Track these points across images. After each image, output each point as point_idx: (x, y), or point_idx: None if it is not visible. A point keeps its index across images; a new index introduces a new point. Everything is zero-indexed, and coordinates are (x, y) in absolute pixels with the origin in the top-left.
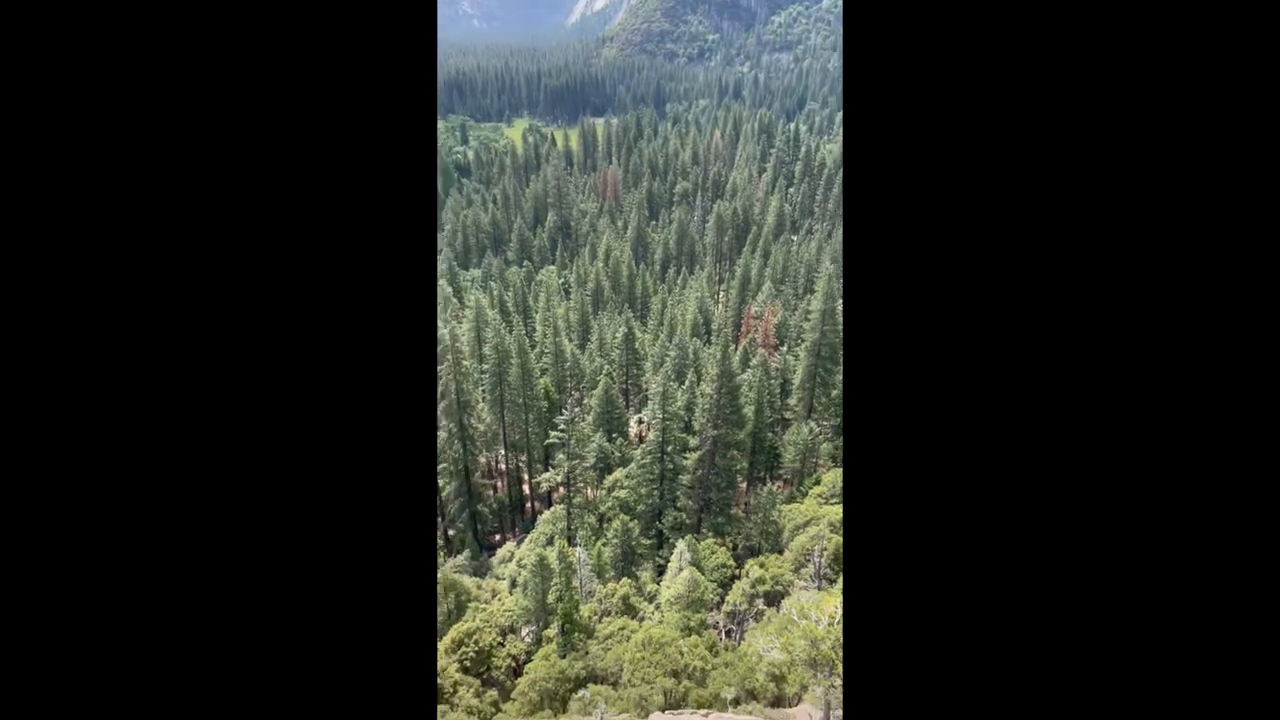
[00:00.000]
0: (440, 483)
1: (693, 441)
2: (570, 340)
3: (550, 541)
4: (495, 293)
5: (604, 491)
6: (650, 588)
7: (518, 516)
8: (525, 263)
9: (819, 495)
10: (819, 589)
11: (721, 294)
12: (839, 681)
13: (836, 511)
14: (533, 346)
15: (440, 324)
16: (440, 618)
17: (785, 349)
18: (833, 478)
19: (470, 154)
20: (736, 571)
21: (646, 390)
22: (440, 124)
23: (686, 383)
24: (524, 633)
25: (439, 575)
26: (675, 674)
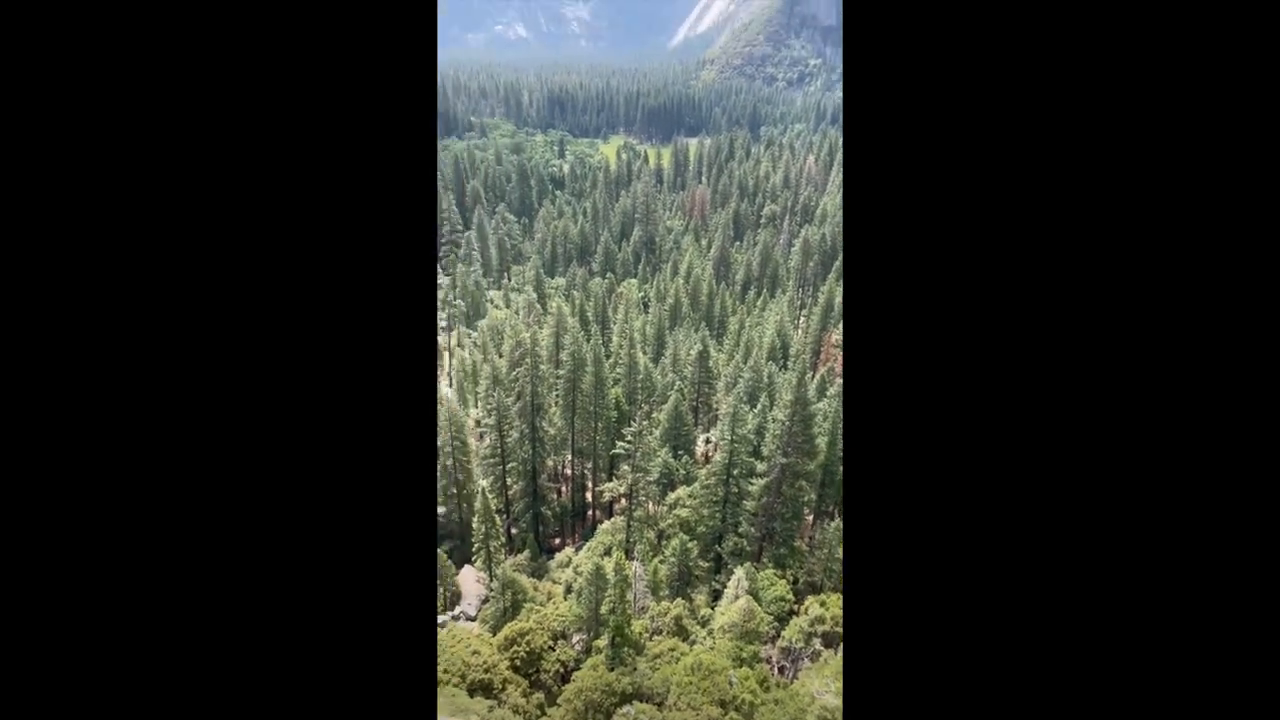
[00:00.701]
0: (509, 481)
1: (760, 467)
2: (645, 353)
3: (608, 552)
4: (577, 301)
5: (665, 508)
6: (704, 611)
7: (579, 523)
8: (608, 274)
9: None
10: None
11: (802, 320)
12: None
13: None
14: (608, 356)
15: (523, 328)
16: (497, 614)
17: None
18: None
19: (565, 167)
20: (795, 607)
21: (717, 410)
22: (540, 138)
23: (759, 406)
24: (575, 639)
25: (499, 571)
26: (723, 704)
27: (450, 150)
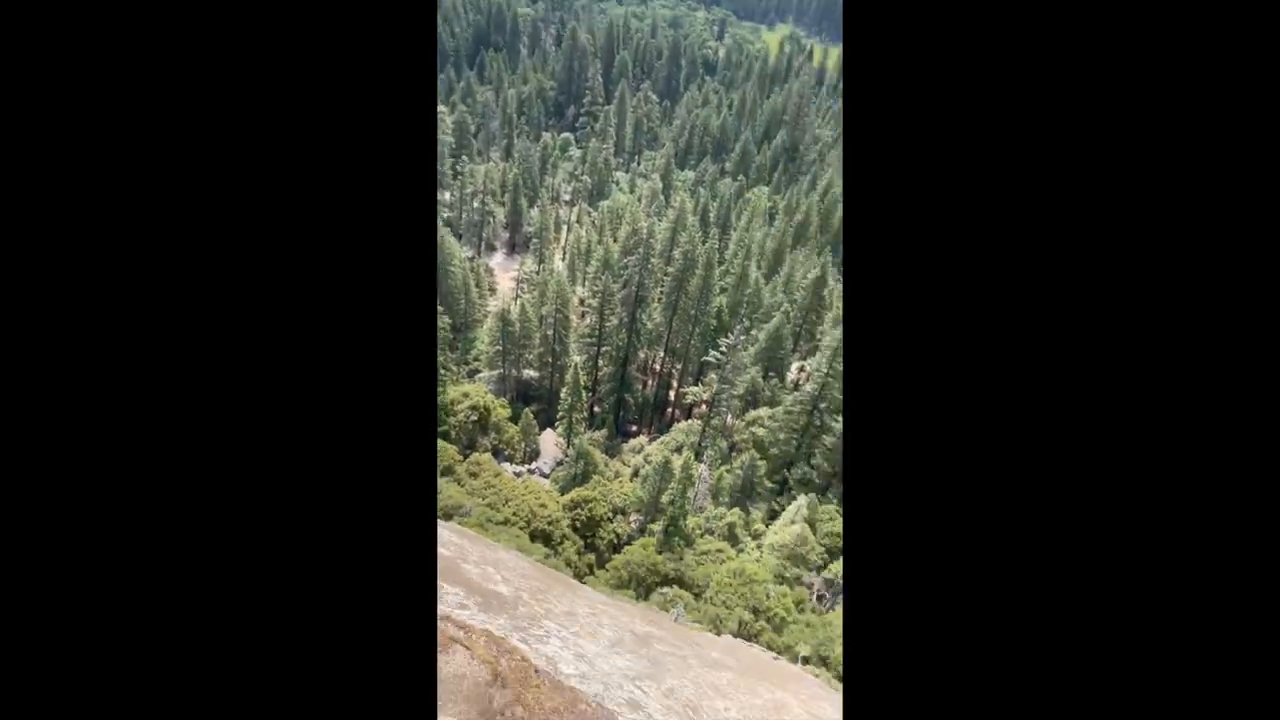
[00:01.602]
0: (600, 363)
1: None
2: (759, 268)
3: (679, 450)
4: (702, 200)
5: (743, 423)
6: (758, 527)
7: (657, 417)
8: (741, 177)
9: None
10: None
11: None
12: None
13: None
14: (721, 264)
15: (643, 216)
16: (568, 477)
17: None
18: None
19: (721, 51)
20: None
21: (819, 341)
22: (700, 14)
23: None
24: (632, 518)
25: (576, 440)
26: (755, 611)
27: (607, 14)
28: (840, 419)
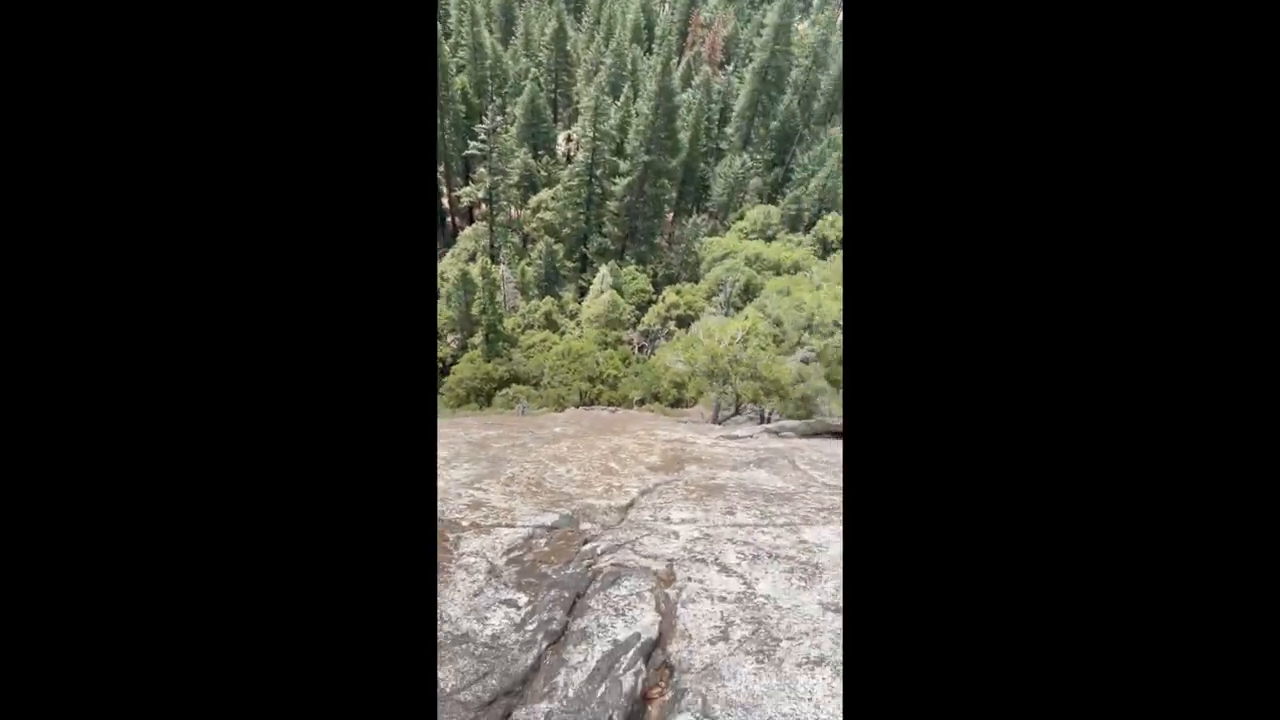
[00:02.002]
0: None
1: (623, 166)
2: (491, 33)
3: (473, 258)
4: None
5: (529, 212)
6: (571, 307)
7: (439, 231)
8: None
9: (740, 230)
10: (726, 315)
11: None
12: (729, 388)
13: (754, 246)
14: (447, 36)
15: None
16: None
17: (731, 68)
18: (755, 214)
19: None
20: (654, 297)
21: (578, 104)
22: None
23: (621, 99)
24: (450, 339)
25: None
26: (590, 379)
27: None
28: (618, 181)
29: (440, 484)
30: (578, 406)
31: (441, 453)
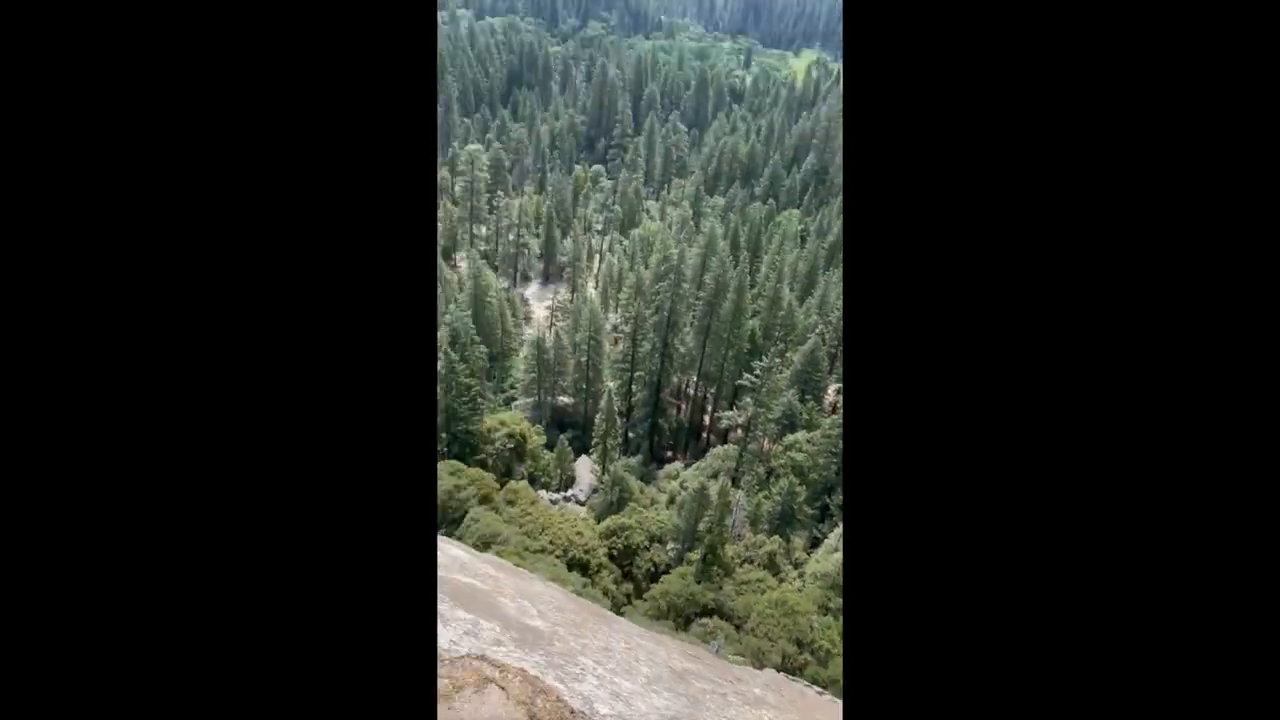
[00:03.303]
0: (634, 388)
1: None
2: (792, 290)
3: (715, 475)
4: (732, 225)
5: (780, 448)
6: (799, 555)
7: (692, 442)
8: (770, 200)
9: None
10: None
11: None
12: None
13: None
14: (753, 286)
15: (673, 243)
16: (603, 504)
17: None
18: None
19: (749, 79)
20: None
21: None
22: (727, 44)
23: None
24: (669, 546)
25: (611, 467)
26: (800, 644)
27: (635, 50)
28: None
29: (641, 706)
30: (778, 670)
31: (644, 669)
